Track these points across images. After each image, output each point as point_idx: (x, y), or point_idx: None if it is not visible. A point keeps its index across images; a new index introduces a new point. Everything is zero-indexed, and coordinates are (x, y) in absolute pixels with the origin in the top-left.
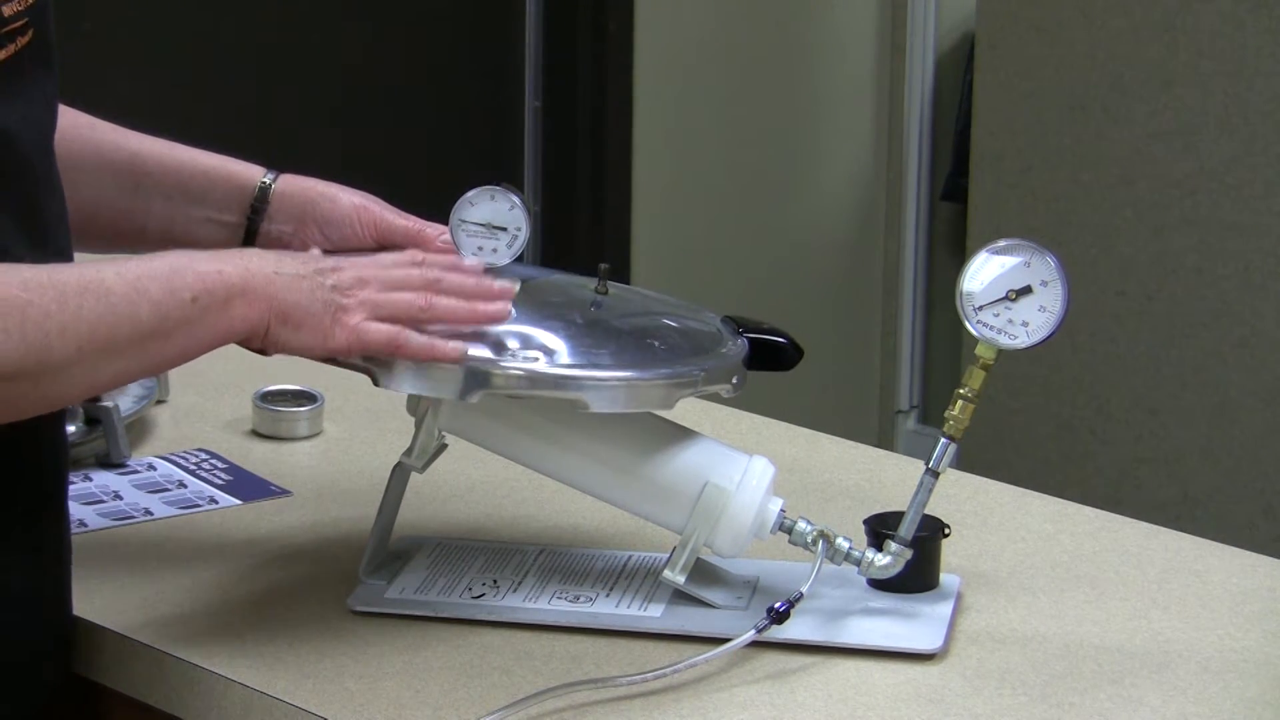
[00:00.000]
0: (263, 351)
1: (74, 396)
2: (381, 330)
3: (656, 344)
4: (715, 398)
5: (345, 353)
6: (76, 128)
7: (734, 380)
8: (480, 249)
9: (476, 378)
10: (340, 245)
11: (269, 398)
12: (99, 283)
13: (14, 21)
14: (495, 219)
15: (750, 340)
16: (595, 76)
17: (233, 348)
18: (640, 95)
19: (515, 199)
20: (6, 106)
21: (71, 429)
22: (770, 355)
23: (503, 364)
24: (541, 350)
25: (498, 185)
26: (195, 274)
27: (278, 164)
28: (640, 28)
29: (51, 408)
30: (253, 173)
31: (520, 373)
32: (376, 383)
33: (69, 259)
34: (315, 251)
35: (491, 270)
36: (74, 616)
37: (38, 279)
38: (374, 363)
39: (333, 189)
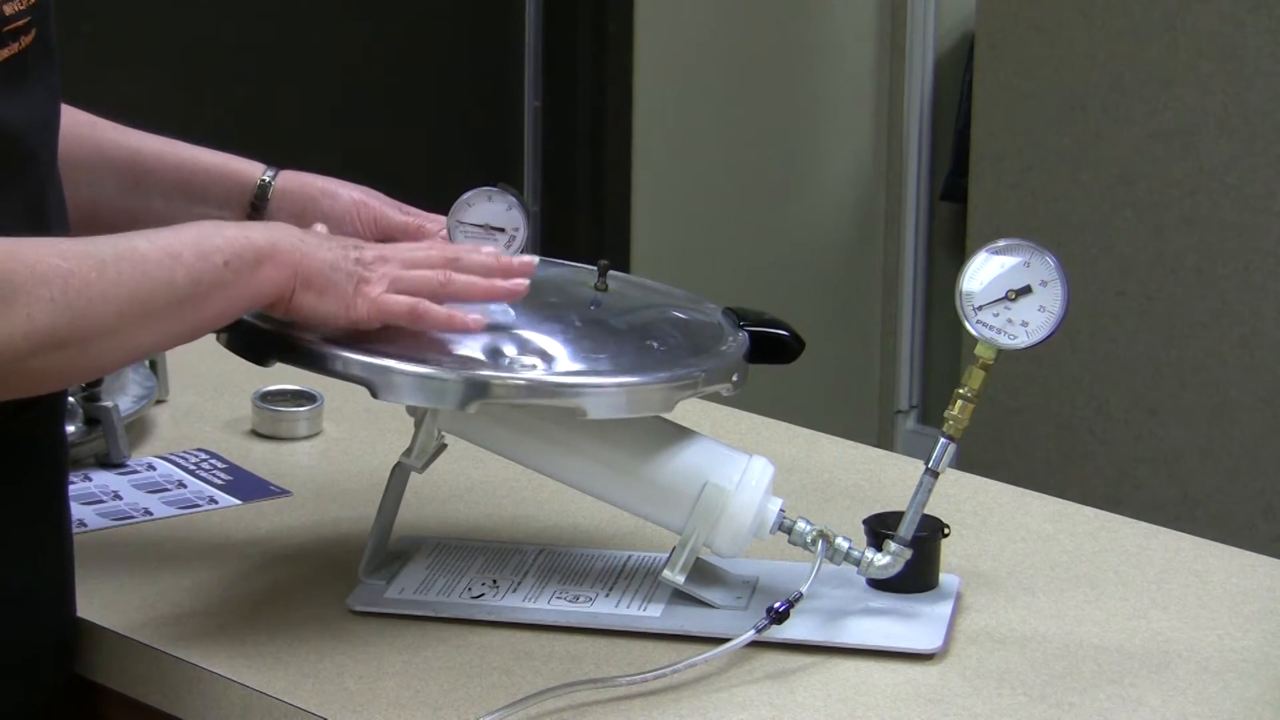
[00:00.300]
0: (284, 322)
1: (117, 363)
2: (402, 301)
3: (655, 344)
4: (715, 396)
5: (366, 322)
6: (77, 126)
7: (734, 378)
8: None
9: (475, 388)
10: None
11: (268, 398)
12: (133, 250)
13: (15, 20)
14: (493, 220)
15: (751, 333)
16: (595, 77)
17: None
18: (640, 95)
19: (513, 199)
20: (11, 104)
21: (71, 429)
22: (772, 348)
23: (501, 373)
24: (539, 356)
25: (495, 186)
26: (225, 239)
27: (278, 164)
28: (640, 28)
29: (95, 375)
30: (253, 170)
31: (518, 382)
32: (375, 395)
33: None
34: (319, 228)
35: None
36: (76, 616)
37: (75, 249)
38: (373, 374)
39: (333, 184)
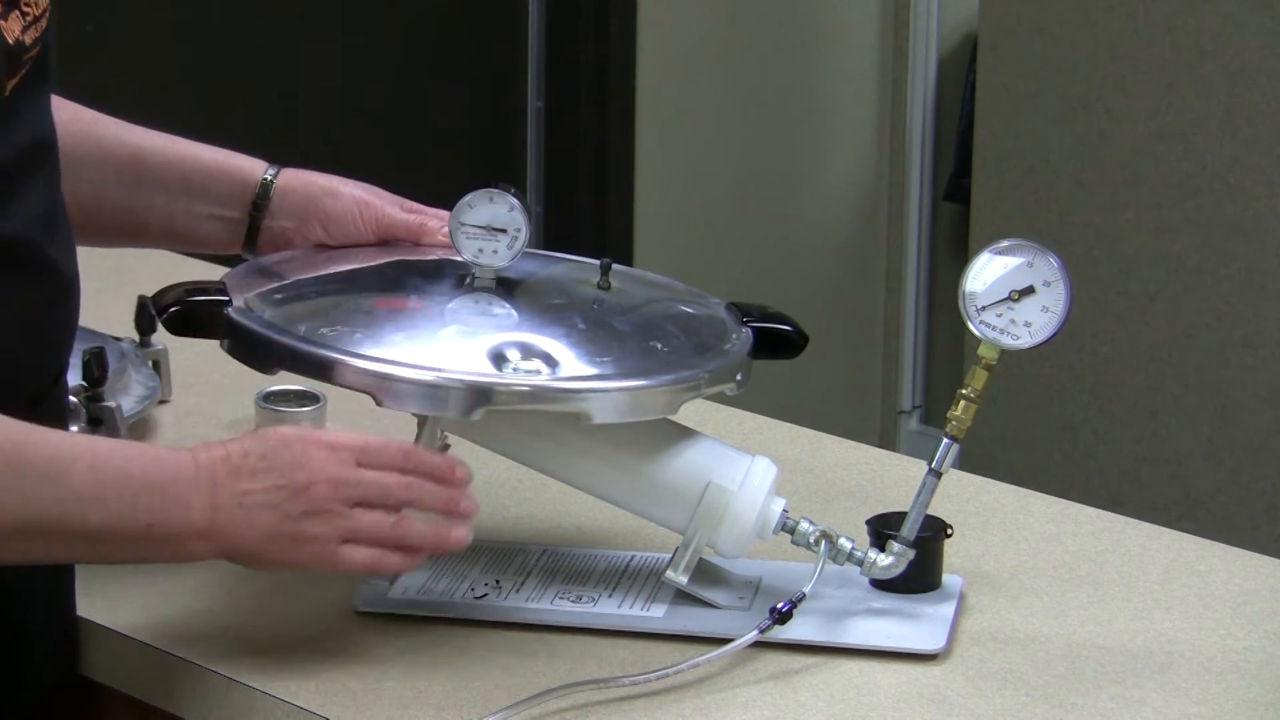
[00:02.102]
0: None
1: None
2: (360, 559)
3: (659, 345)
4: (719, 396)
5: (321, 571)
6: (80, 122)
7: (738, 377)
8: (480, 251)
9: (479, 395)
10: (342, 241)
11: (271, 398)
12: (63, 474)
13: (33, 48)
14: (495, 221)
15: (755, 329)
16: (598, 77)
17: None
18: (643, 96)
19: (514, 200)
20: (36, 115)
21: (74, 429)
22: (776, 343)
23: (504, 380)
24: (543, 359)
25: (496, 187)
26: (163, 501)
27: (280, 163)
28: (643, 29)
29: None
30: (255, 168)
31: (522, 388)
32: (379, 403)
33: (73, 248)
34: (271, 434)
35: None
36: (76, 616)
37: (3, 453)
38: (377, 382)
39: (335, 183)
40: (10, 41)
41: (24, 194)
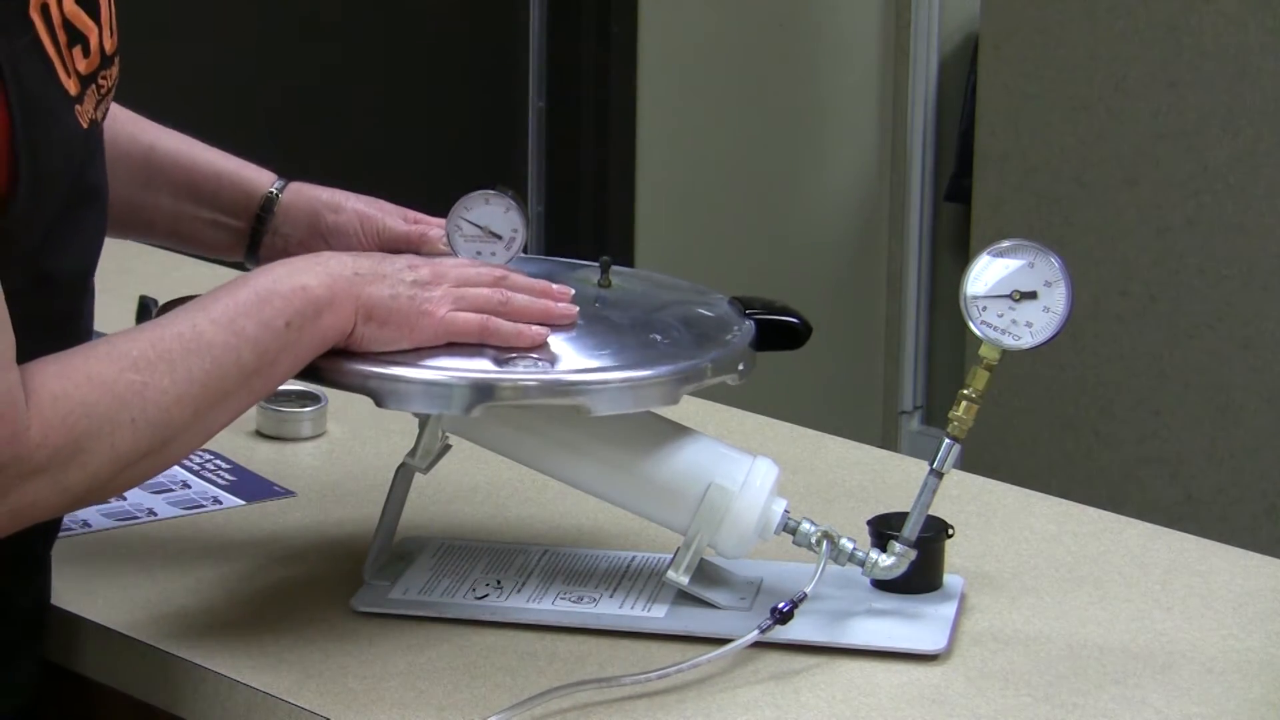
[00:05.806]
0: (345, 351)
1: (193, 450)
2: (472, 320)
3: (659, 338)
4: (721, 395)
5: (432, 343)
6: None
7: (740, 367)
8: (479, 253)
9: (480, 391)
10: None
11: (273, 398)
12: (198, 338)
13: (103, 119)
14: (492, 223)
15: (759, 321)
16: (599, 77)
17: None
18: (644, 97)
19: (511, 201)
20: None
21: None
22: (780, 334)
23: (504, 375)
24: (543, 355)
25: (493, 189)
26: (283, 299)
27: (279, 165)
28: (644, 29)
29: (170, 466)
30: (262, 180)
31: (522, 383)
32: (381, 404)
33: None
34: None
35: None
36: (52, 605)
37: (145, 355)
38: (378, 382)
39: (338, 197)
40: (85, 125)
41: (72, 236)
